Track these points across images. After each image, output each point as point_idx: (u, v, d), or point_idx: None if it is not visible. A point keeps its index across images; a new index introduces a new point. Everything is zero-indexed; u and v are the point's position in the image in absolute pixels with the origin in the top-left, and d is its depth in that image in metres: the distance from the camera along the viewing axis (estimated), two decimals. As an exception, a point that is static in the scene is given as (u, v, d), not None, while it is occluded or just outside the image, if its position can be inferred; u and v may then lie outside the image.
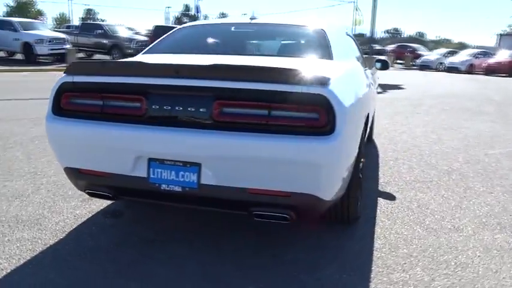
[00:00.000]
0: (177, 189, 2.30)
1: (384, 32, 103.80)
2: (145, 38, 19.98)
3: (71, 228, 2.87)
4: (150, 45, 3.33)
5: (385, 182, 4.01)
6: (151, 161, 2.33)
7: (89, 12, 68.42)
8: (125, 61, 2.46)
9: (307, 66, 2.44)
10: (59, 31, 22.37)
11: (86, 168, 2.50)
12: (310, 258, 2.54)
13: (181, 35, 3.40)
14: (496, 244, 2.79)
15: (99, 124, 2.37)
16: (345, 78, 2.53)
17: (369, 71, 4.31)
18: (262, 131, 2.15)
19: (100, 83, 2.38)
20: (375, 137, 5.90)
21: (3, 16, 53.78)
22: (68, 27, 26.62)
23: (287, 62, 2.62)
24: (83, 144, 2.45)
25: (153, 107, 2.30)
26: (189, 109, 2.25)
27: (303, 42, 3.20)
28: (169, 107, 2.28)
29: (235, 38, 3.31)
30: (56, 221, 2.97)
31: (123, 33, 20.35)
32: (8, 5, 61.62)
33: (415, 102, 9.82)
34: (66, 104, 2.47)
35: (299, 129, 2.13)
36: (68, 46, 17.59)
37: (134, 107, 2.34)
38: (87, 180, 2.54)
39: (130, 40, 19.24)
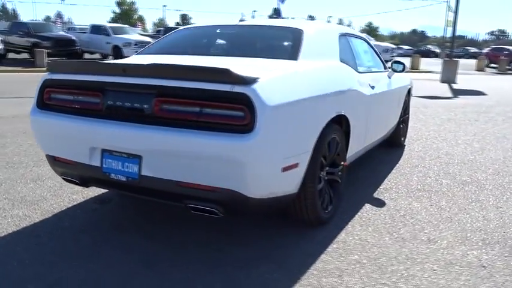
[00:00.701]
0: (123, 178, 2.49)
1: (488, 34, 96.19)
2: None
3: (60, 210, 3.20)
4: (146, 47, 3.57)
5: (385, 188, 3.86)
6: (104, 152, 2.54)
7: (184, 17, 72.37)
8: (88, 60, 2.70)
9: (248, 67, 2.50)
10: (148, 35, 24.08)
11: (59, 156, 2.79)
12: (255, 255, 2.57)
13: (173, 37, 3.59)
14: (464, 260, 2.59)
15: (66, 117, 2.64)
16: (289, 78, 2.53)
17: (379, 74, 4.18)
18: (192, 127, 2.26)
19: (70, 80, 2.65)
20: (409, 142, 5.64)
21: (109, 22, 58.97)
22: (158, 31, 28.47)
23: (236, 62, 2.69)
24: (56, 134, 2.74)
25: (108, 102, 2.52)
26: (134, 105, 2.43)
27: (275, 43, 3.22)
28: (120, 103, 2.48)
29: (216, 40, 3.43)
30: (51, 203, 3.32)
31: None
32: (114, 12, 67.41)
33: (482, 109, 9.10)
34: (48, 99, 2.78)
35: (226, 127, 2.21)
36: (151, 49, 18.88)
37: (94, 102, 2.57)
38: (61, 167, 2.83)
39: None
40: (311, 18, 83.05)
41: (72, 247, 2.65)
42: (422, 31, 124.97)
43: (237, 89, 2.17)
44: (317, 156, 2.72)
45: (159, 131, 2.32)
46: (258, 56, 2.98)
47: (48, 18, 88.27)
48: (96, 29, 20.77)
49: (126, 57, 17.92)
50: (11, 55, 19.41)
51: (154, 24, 74.47)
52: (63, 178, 2.90)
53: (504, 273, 2.45)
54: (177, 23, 66.56)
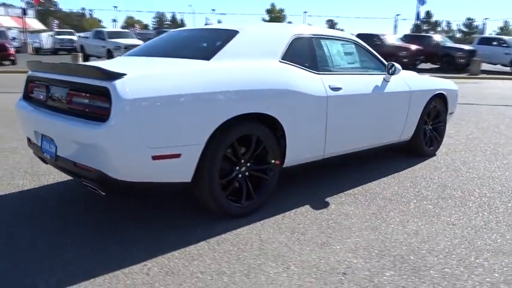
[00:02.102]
0: (48, 156, 3.05)
1: None
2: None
3: (49, 183, 3.92)
4: (133, 49, 4.09)
5: (351, 193, 3.74)
6: (42, 135, 3.13)
7: (331, 23, 72.86)
8: (39, 61, 3.31)
9: (144, 65, 2.83)
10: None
11: (29, 137, 3.49)
12: (145, 234, 2.89)
13: (152, 40, 4.06)
14: (332, 265, 2.51)
15: (28, 106, 3.31)
16: (164, 76, 2.77)
17: (360, 76, 4.05)
18: (77, 115, 2.72)
19: (37, 76, 3.32)
20: (445, 152, 5.18)
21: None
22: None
23: (153, 62, 3.10)
24: (25, 120, 3.44)
25: (48, 95, 3.11)
26: (57, 97, 2.97)
27: (207, 44, 3.40)
28: (51, 95, 3.05)
29: (172, 43, 3.77)
30: (49, 178, 4.06)
31: None
32: (264, 19, 71.17)
33: None
34: (31, 92, 3.51)
35: (96, 116, 2.60)
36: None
37: (43, 94, 3.19)
38: (31, 147, 3.52)
39: None
40: (470, 20, 75.99)
41: (22, 210, 3.31)
42: None
43: (103, 83, 2.55)
44: (216, 150, 2.90)
45: (58, 118, 2.83)
46: (184, 57, 3.24)
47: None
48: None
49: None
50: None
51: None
52: (37, 156, 3.59)
53: (355, 282, 2.34)
54: (322, 29, 67.42)
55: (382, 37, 20.78)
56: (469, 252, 2.70)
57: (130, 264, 2.49)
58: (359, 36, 22.87)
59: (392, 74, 4.16)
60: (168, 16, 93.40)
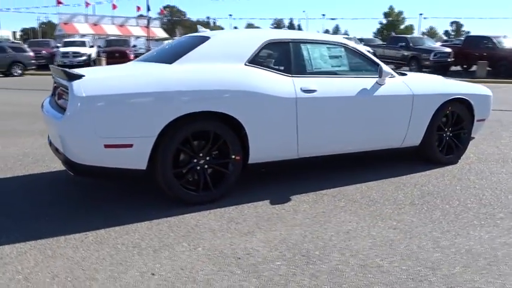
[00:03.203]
0: (48, 144, 3.75)
1: None
2: (448, 50, 19.36)
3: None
4: (144, 54, 4.66)
5: (326, 193, 3.82)
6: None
7: (456, 24, 67.73)
8: (53, 66, 4.02)
9: (111, 69, 3.35)
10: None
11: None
12: (101, 214, 3.41)
13: (158, 47, 4.59)
14: (231, 251, 2.74)
15: (46, 104, 4.06)
16: (117, 77, 3.26)
17: (343, 79, 4.08)
18: (58, 109, 3.34)
19: (54, 78, 4.08)
20: (470, 161, 4.86)
21: (375, 33, 60.53)
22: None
23: (135, 66, 3.62)
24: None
25: (55, 93, 3.82)
26: (57, 94, 3.66)
27: (181, 49, 3.74)
28: (56, 93, 3.75)
29: (165, 48, 4.21)
30: (79, 163, 4.84)
31: (428, 45, 20.40)
32: (381, 23, 68.91)
33: None
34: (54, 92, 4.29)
35: (63, 110, 3.19)
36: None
37: (54, 93, 3.92)
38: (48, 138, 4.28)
39: (430, 52, 19.09)
40: None
41: (26, 186, 4.07)
42: None
43: (67, 83, 3.13)
44: (168, 143, 3.30)
45: (49, 111, 3.48)
46: (157, 61, 3.71)
47: (327, 31, 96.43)
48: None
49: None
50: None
51: (423, 33, 72.53)
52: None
53: (241, 266, 2.55)
54: (423, 32, 63.12)
55: (495, 40, 18.92)
56: (380, 255, 2.70)
57: (75, 233, 3.01)
58: (467, 38, 21.24)
59: (381, 76, 4.11)
60: (286, 22, 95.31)
